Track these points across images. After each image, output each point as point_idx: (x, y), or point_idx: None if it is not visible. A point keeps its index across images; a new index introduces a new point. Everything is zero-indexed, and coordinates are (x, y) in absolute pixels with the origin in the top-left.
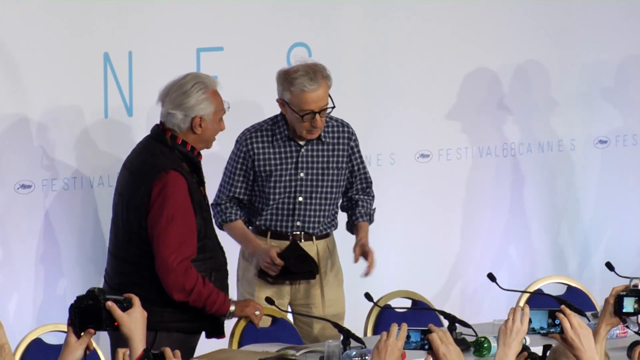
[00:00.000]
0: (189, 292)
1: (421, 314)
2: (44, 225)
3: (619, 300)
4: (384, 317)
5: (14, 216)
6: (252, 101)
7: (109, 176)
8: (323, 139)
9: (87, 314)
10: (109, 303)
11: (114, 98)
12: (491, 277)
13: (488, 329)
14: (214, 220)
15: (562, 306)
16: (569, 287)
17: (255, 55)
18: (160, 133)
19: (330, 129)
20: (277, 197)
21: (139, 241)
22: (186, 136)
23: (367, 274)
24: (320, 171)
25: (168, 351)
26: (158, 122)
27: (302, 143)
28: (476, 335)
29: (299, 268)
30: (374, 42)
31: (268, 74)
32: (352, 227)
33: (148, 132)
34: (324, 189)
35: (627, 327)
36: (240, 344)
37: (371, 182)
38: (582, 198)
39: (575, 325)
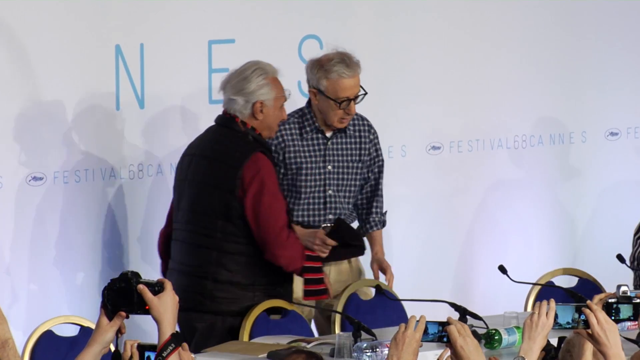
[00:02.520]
0: (302, 259)
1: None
2: (55, 218)
3: (608, 307)
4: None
5: (25, 208)
6: None
7: (120, 168)
8: (347, 132)
9: (119, 296)
10: (140, 286)
11: (126, 90)
12: (502, 269)
13: (499, 321)
14: None
15: (588, 301)
16: (580, 279)
17: (267, 48)
18: (229, 120)
19: (351, 122)
20: (308, 190)
21: (231, 226)
22: (251, 122)
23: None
24: (346, 164)
25: (185, 345)
26: (221, 112)
27: (328, 135)
28: (487, 328)
29: (353, 239)
30: (386, 34)
31: (279, 66)
32: (365, 233)
33: (159, 124)
34: (350, 181)
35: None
36: (251, 336)
37: (381, 175)
38: (593, 190)
39: (602, 320)
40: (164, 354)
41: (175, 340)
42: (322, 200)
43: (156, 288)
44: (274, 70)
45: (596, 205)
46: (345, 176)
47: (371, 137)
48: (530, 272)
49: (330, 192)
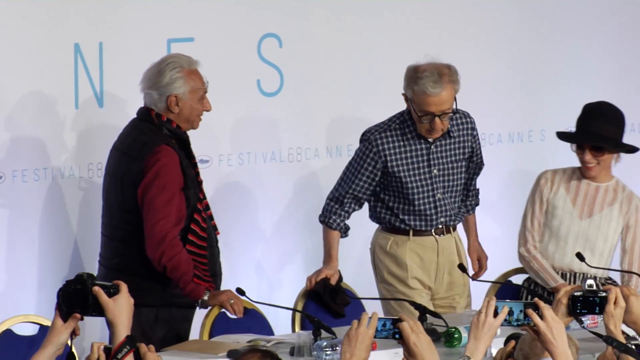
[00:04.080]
0: (168, 260)
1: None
2: (13, 217)
3: (573, 300)
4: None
5: None
6: (222, 92)
7: (79, 167)
8: (451, 133)
9: (74, 298)
10: (96, 288)
11: (85, 89)
12: (462, 268)
13: (459, 320)
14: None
15: (536, 299)
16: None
17: (226, 46)
18: (145, 113)
19: (455, 122)
20: (417, 196)
21: (137, 219)
22: (167, 115)
23: (476, 276)
24: (450, 165)
25: (143, 346)
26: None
27: (431, 140)
28: (447, 326)
29: (335, 301)
30: (345, 32)
31: (239, 65)
32: (463, 215)
33: (118, 123)
34: (456, 181)
35: (583, 327)
36: (211, 335)
37: (483, 165)
38: None
39: (548, 318)
40: (119, 356)
41: (130, 342)
42: (432, 205)
43: (111, 290)
44: (191, 63)
45: None
46: (451, 177)
47: (474, 132)
48: (490, 270)
49: (439, 195)
